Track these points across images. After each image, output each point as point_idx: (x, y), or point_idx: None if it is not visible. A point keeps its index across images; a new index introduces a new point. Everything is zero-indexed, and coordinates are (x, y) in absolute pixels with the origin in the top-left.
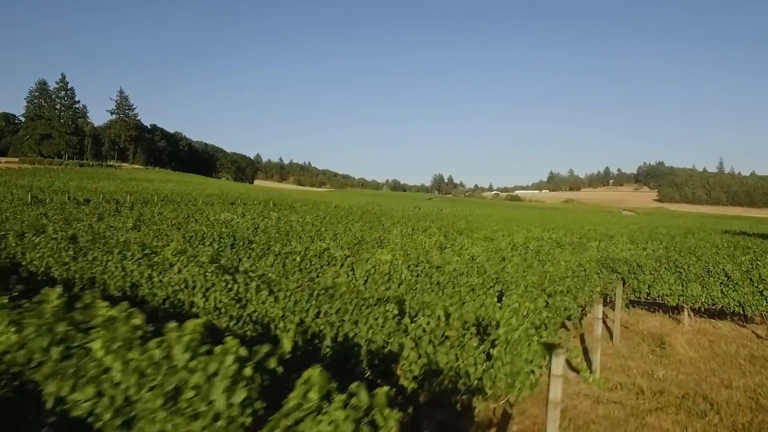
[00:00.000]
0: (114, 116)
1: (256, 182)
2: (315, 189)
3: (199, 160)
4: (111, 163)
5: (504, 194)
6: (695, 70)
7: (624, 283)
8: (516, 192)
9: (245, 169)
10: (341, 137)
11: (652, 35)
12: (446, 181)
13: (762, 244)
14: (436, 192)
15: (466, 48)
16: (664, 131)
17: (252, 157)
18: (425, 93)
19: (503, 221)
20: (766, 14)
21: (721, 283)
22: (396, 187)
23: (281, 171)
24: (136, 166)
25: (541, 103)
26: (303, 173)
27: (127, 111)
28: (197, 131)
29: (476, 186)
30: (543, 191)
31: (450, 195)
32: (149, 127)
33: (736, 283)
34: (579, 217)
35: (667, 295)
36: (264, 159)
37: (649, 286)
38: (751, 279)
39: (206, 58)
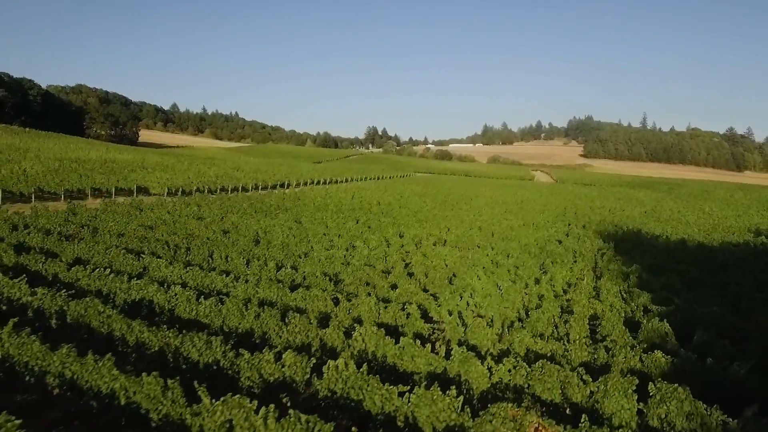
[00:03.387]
0: None
1: (151, 135)
2: (230, 145)
3: (62, 113)
4: None
5: (435, 148)
6: (627, 23)
7: None
8: (450, 146)
9: (126, 123)
10: (275, 88)
11: None
12: (380, 133)
13: None
14: (370, 146)
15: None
16: (593, 85)
17: (167, 108)
18: (363, 43)
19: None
20: None
21: None
22: (326, 140)
23: (200, 123)
24: None
25: (476, 54)
26: (226, 125)
27: None
28: (100, 78)
29: (411, 139)
30: (477, 145)
31: (380, 150)
32: None
33: None
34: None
35: None
36: (182, 109)
37: None
38: None
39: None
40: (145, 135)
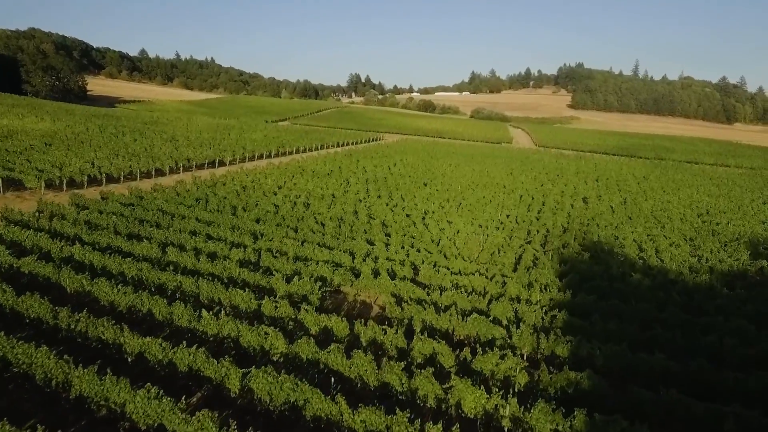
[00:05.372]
0: None
1: (109, 86)
2: (199, 96)
3: None
4: None
5: (419, 98)
6: None
7: None
8: (435, 94)
9: (70, 75)
10: (256, 33)
11: None
12: (363, 81)
13: None
14: (353, 94)
15: None
16: (585, 32)
17: (134, 54)
18: None
19: None
20: None
21: None
22: (306, 89)
23: (171, 70)
24: None
25: None
26: (199, 73)
27: None
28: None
29: (395, 87)
30: (463, 93)
31: (362, 99)
32: None
33: None
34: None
35: None
36: (152, 55)
37: None
38: None
39: None
40: (103, 86)
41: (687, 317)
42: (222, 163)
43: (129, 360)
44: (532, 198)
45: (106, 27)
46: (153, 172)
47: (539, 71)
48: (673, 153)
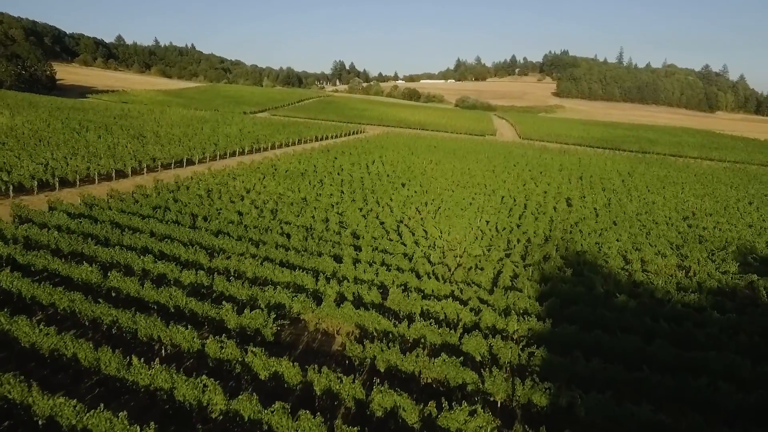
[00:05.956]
0: None
1: (83, 74)
2: (178, 85)
3: None
4: None
5: (404, 86)
6: None
7: None
8: (421, 81)
9: (36, 64)
10: (238, 20)
11: None
12: (348, 69)
13: None
14: (338, 81)
15: None
16: (570, 19)
17: (111, 41)
18: None
19: None
20: None
21: None
22: (289, 77)
23: (149, 58)
24: None
25: None
26: (179, 60)
27: None
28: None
29: (380, 74)
30: (449, 81)
31: (346, 87)
32: None
33: None
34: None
35: None
36: (129, 41)
37: None
38: None
39: None
40: (76, 74)
41: (676, 351)
42: (191, 162)
43: (40, 423)
44: (514, 200)
45: (80, 12)
46: (113, 174)
47: (524, 59)
48: (657, 145)
